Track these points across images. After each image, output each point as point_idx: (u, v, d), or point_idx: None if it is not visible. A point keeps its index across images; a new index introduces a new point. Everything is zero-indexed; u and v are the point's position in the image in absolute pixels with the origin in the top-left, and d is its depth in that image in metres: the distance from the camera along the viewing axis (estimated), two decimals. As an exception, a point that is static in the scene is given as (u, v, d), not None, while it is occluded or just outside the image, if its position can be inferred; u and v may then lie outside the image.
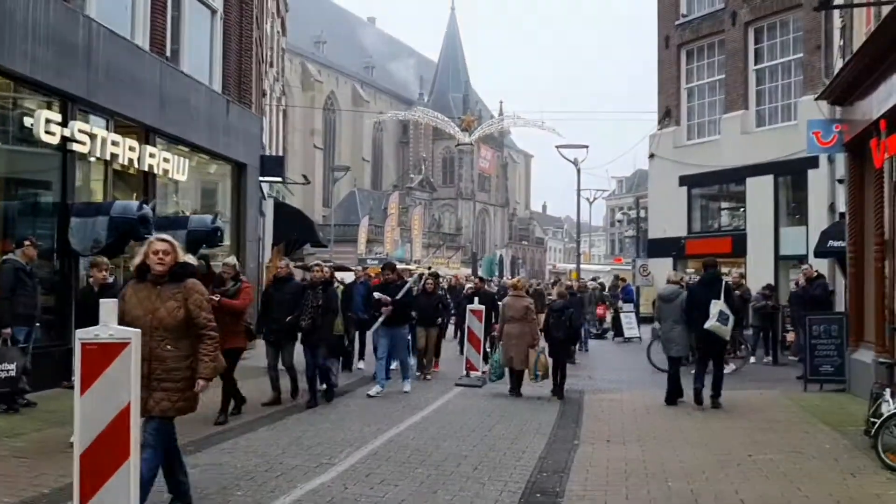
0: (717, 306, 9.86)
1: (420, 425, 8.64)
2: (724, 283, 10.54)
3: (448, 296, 14.33)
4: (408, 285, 11.21)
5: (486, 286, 16.19)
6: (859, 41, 11.41)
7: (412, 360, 12.69)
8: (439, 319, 13.47)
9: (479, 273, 62.44)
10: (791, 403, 10.36)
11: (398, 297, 10.77)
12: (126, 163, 11.28)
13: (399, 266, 36.02)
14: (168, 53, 12.88)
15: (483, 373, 12.33)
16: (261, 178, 16.86)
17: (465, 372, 12.68)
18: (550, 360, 11.06)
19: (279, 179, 18.03)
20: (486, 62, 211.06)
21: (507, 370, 11.29)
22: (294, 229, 22.82)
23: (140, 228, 9.83)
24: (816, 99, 13.36)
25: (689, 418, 9.35)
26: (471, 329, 12.89)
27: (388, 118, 65.17)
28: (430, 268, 18.61)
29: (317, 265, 10.23)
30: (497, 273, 65.23)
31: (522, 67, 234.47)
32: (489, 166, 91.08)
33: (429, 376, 12.63)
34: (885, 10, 9.53)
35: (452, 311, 14.72)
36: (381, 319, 10.79)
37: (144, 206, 9.98)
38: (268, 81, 25.00)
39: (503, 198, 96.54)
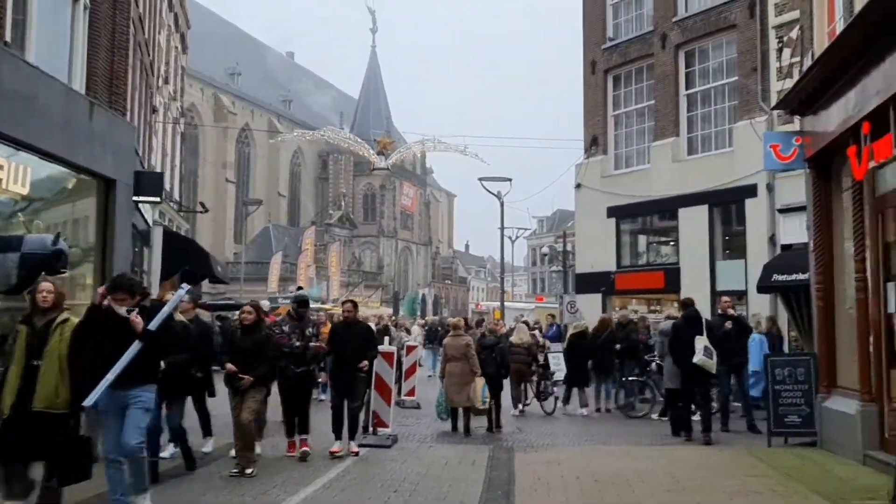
0: (701, 342, 10.42)
1: (299, 512, 6.44)
2: (704, 319, 11.02)
3: (316, 338, 9.45)
4: (166, 310, 6.19)
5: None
6: (821, 41, 10.04)
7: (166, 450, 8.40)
8: (316, 370, 10.03)
9: (402, 311, 60.31)
10: (761, 464, 8.59)
11: (152, 327, 5.96)
12: (-67, 166, 8.80)
13: (315, 305, 33.27)
14: (7, 38, 10.47)
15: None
16: (135, 198, 14.40)
17: (371, 429, 10.57)
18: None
19: (157, 199, 15.58)
20: (409, 102, 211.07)
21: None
22: (186, 262, 20.24)
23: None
24: (773, 108, 11.97)
25: (647, 490, 7.44)
26: (379, 375, 10.78)
27: (295, 138, 62.19)
28: (300, 288, 14.58)
29: None
30: (419, 312, 63.13)
31: (446, 106, 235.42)
32: (411, 204, 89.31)
33: (249, 470, 7.88)
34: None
35: (322, 366, 10.47)
36: (112, 375, 5.71)
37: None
38: (161, 98, 22.58)
39: (426, 236, 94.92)
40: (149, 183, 14.97)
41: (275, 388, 9.37)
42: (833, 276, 9.77)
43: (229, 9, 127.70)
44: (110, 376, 5.69)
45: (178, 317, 7.74)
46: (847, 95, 8.56)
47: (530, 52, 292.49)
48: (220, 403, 8.49)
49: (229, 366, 8.08)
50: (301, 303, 9.52)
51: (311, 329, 9.28)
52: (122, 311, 5.84)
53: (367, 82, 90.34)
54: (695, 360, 10.36)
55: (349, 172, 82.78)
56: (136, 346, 5.80)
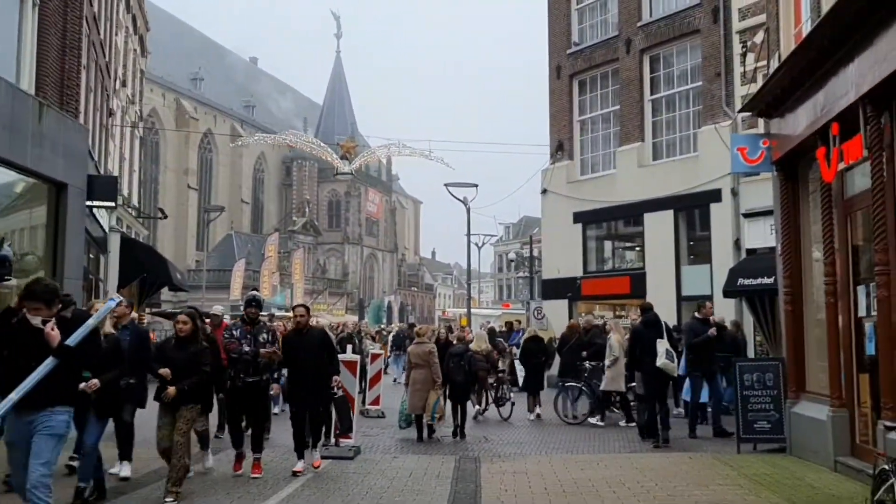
0: (662, 345, 10.54)
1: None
2: (664, 323, 11.03)
3: (271, 344, 8.39)
4: (89, 323, 5.30)
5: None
6: (788, 43, 9.98)
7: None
8: (269, 380, 8.71)
9: (367, 319, 59.63)
10: (732, 472, 8.42)
11: (71, 342, 5.07)
12: None
13: (280, 313, 32.63)
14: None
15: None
16: (88, 203, 13.92)
17: (332, 439, 10.22)
18: (449, 403, 11.85)
19: (111, 204, 15.06)
20: (375, 108, 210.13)
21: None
22: (143, 269, 19.72)
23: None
24: (739, 111, 11.91)
25: (617, 500, 7.22)
26: (342, 385, 10.47)
27: (256, 141, 60.93)
28: (254, 289, 12.84)
29: None
30: (385, 320, 62.62)
31: (412, 113, 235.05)
32: (377, 210, 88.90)
33: (170, 498, 6.86)
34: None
35: (275, 375, 9.26)
36: (17, 394, 4.85)
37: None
38: (118, 101, 21.98)
39: (392, 243, 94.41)
40: (103, 187, 14.51)
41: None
42: (801, 280, 9.68)
43: (192, 14, 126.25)
44: (14, 395, 4.77)
45: (108, 329, 7.08)
46: (815, 97, 8.48)
47: (500, 57, 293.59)
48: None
49: (164, 370, 7.06)
50: (251, 304, 8.53)
51: (265, 335, 8.37)
52: (37, 321, 5.06)
53: (332, 88, 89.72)
54: (658, 363, 10.52)
55: (313, 179, 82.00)
56: (49, 363, 4.91)
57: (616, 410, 13.98)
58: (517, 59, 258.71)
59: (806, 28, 9.38)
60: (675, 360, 10.89)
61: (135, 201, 25.68)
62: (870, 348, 7.75)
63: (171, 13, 79.16)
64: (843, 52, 7.65)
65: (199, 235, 68.75)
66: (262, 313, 9.11)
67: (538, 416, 14.09)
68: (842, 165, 7.76)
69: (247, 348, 8.18)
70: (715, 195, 17.75)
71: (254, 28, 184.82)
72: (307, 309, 9.05)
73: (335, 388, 9.20)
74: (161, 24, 68.78)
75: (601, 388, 13.31)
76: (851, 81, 7.48)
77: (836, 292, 8.38)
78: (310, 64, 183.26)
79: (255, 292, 9.32)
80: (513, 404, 14.32)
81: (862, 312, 7.96)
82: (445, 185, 31.01)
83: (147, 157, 65.08)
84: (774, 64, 10.18)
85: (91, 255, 17.97)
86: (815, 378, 9.42)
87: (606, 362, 13.17)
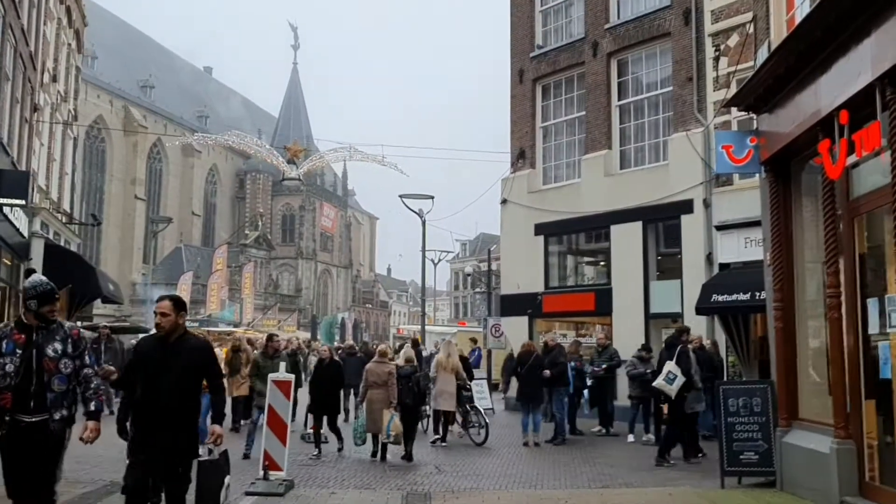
0: (667, 366, 10.76)
1: None
2: (679, 346, 11.06)
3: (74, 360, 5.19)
4: None
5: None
6: (779, 31, 8.98)
7: None
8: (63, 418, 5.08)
9: (319, 336, 57.81)
10: (721, 513, 7.28)
11: None
12: None
13: (226, 328, 30.86)
14: None
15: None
16: (-8, 200, 12.38)
17: (261, 473, 8.83)
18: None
19: (21, 202, 13.47)
20: (332, 120, 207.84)
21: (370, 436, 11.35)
22: (70, 279, 18.03)
23: None
24: (724, 106, 10.97)
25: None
26: (273, 409, 9.14)
27: (194, 141, 58.53)
28: (31, 270, 9.13)
29: None
30: (337, 337, 60.93)
31: (371, 122, 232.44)
32: (332, 225, 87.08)
33: None
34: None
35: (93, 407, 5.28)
36: None
37: None
38: (47, 97, 20.32)
39: (347, 259, 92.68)
40: (12, 183, 12.95)
41: None
42: (794, 294, 8.62)
43: (145, 21, 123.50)
44: None
45: None
46: (816, 84, 7.44)
47: (468, 65, 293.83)
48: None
49: None
50: (32, 296, 5.08)
51: (58, 344, 5.08)
52: None
53: (288, 99, 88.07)
54: (654, 383, 11.08)
55: (267, 192, 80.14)
56: None
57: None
58: (485, 67, 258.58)
59: (801, 12, 8.38)
60: (675, 383, 10.70)
61: (66, 206, 23.88)
62: (884, 371, 6.67)
63: (123, 19, 77.16)
64: (853, 29, 6.63)
65: (147, 248, 66.27)
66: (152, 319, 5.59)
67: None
68: (852, 158, 6.71)
69: (10, 368, 4.97)
70: (686, 206, 16.80)
71: (209, 37, 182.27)
72: (177, 303, 5.44)
73: (210, 445, 5.55)
74: (111, 29, 66.76)
75: (434, 407, 13.31)
76: (866, 60, 6.45)
77: (840, 306, 7.31)
78: (267, 75, 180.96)
79: (38, 276, 5.36)
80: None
81: (873, 329, 6.89)
82: (400, 196, 29.84)
83: (92, 165, 62.77)
84: (763, 55, 9.17)
85: (6, 262, 16.32)
86: (808, 404, 8.35)
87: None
